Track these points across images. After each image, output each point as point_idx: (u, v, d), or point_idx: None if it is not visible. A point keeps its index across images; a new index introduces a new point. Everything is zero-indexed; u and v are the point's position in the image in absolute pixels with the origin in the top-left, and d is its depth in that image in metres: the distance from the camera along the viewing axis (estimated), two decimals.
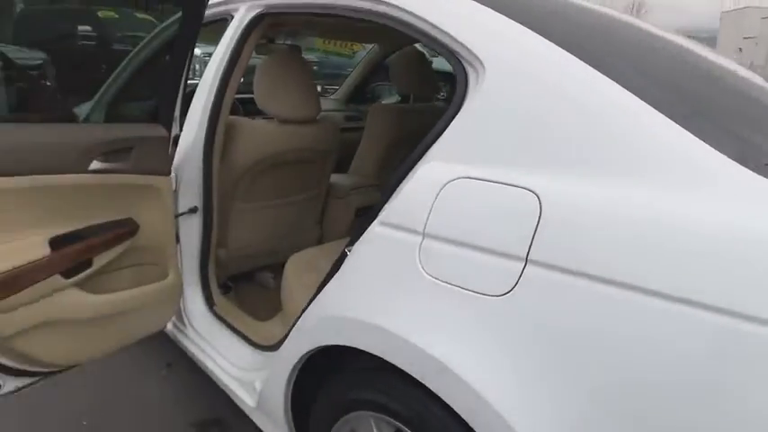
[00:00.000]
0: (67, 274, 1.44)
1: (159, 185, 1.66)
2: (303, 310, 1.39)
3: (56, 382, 2.17)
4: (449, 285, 1.02)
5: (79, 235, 1.47)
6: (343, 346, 1.21)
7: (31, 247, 1.36)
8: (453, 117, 1.12)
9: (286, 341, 1.43)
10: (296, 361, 1.36)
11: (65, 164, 1.41)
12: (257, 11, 1.84)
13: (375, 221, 1.18)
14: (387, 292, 1.13)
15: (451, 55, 1.18)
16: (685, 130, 0.89)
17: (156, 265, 1.76)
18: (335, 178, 2.70)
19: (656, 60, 1.28)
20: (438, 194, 1.06)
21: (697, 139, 0.87)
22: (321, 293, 1.31)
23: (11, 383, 1.53)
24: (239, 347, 1.90)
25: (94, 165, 1.48)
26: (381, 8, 1.34)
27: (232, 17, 1.93)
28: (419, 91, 2.90)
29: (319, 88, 5.02)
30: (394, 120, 2.72)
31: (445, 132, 1.13)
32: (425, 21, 1.23)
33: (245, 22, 1.87)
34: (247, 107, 2.82)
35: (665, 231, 0.81)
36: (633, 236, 0.84)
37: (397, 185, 1.18)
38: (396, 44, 3.47)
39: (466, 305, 0.99)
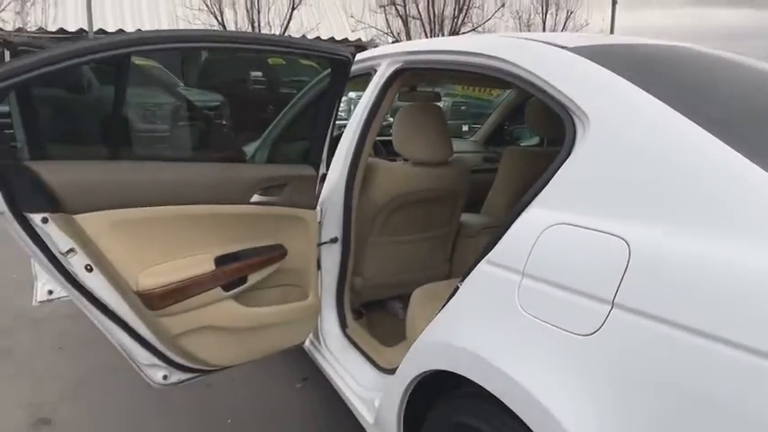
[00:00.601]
0: (227, 287, 1.72)
1: (306, 217, 1.92)
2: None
3: (209, 382, 2.53)
4: (542, 322, 1.11)
5: (238, 256, 1.75)
6: (449, 372, 1.33)
7: (201, 263, 1.65)
8: (559, 167, 1.22)
9: (401, 365, 1.58)
10: (407, 383, 1.50)
11: (233, 196, 1.71)
12: (396, 66, 2.07)
13: (483, 260, 1.31)
14: (487, 324, 1.24)
15: (560, 107, 1.29)
16: None
17: (299, 287, 2.01)
18: (467, 218, 2.84)
19: (762, 110, 1.28)
20: (538, 238, 1.16)
21: None
22: (432, 322, 1.45)
23: (175, 376, 1.83)
24: (364, 368, 2.09)
25: (255, 198, 1.76)
26: (498, 64, 1.50)
27: (375, 71, 2.18)
28: (551, 135, 2.96)
29: (466, 127, 5.23)
30: (526, 163, 2.81)
31: (551, 181, 1.23)
32: (536, 75, 1.37)
33: (386, 76, 2.10)
34: (389, 148, 3.06)
35: (750, 286, 0.84)
36: (717, 288, 0.87)
37: (507, 228, 1.29)
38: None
39: (555, 342, 1.07)
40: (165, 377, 1.80)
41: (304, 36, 16.49)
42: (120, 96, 1.65)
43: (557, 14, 20.12)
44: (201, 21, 16.54)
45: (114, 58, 1.50)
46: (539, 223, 1.18)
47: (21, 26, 14.27)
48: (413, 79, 2.50)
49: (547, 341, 1.09)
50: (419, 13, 18.45)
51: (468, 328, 1.30)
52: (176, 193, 1.61)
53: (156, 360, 1.75)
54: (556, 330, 1.08)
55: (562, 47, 1.40)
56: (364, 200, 2.31)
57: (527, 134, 4.54)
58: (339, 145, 2.20)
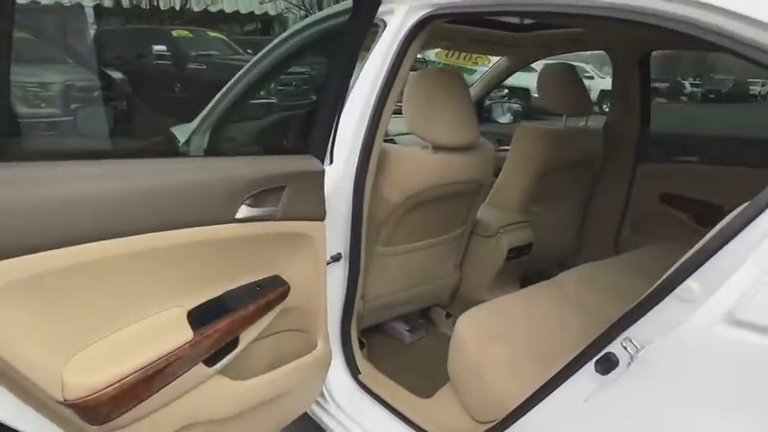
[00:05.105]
0: (210, 359, 1.09)
1: (312, 233, 1.30)
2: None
3: None
4: None
5: (223, 304, 1.12)
6: None
7: (169, 328, 1.01)
8: None
9: None
10: None
11: (206, 213, 1.07)
12: (421, 13, 1.48)
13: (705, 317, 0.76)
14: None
15: None
16: None
17: (304, 332, 1.40)
18: (480, 214, 2.27)
19: None
20: None
21: None
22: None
23: None
24: (396, 430, 1.52)
25: (242, 212, 1.13)
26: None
27: (385, 24, 1.57)
28: (570, 110, 2.45)
29: None
30: (546, 145, 2.29)
31: None
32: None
33: (405, 29, 1.51)
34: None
35: None
36: None
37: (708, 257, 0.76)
38: (532, 58, 3.12)
39: None
40: None
41: None
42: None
43: None
44: None
45: None
46: None
47: None
48: (434, 37, 1.87)
49: None
50: None
51: None
52: (105, 218, 0.94)
53: None
54: None
55: None
56: (373, 201, 1.70)
57: (500, 110, 4.06)
58: (339, 129, 1.58)
